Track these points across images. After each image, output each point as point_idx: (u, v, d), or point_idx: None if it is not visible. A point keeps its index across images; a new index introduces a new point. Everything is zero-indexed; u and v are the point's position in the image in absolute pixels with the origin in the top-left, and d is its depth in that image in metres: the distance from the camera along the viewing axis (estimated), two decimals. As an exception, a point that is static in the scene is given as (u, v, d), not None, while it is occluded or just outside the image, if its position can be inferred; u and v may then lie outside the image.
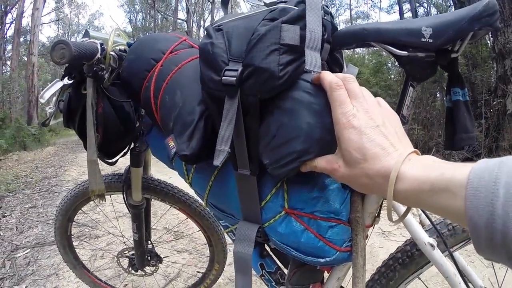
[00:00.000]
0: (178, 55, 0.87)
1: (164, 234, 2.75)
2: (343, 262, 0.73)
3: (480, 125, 4.90)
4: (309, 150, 0.60)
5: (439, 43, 0.62)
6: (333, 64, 0.74)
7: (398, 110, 0.73)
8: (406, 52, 0.66)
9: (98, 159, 1.01)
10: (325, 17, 0.66)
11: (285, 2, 0.69)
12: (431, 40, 0.62)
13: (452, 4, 8.08)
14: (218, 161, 0.64)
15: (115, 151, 1.17)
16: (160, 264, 1.68)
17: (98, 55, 0.92)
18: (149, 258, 1.63)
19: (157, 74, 0.85)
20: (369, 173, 0.46)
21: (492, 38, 5.41)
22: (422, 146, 4.67)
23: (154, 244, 1.64)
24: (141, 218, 1.43)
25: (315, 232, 0.69)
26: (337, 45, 0.73)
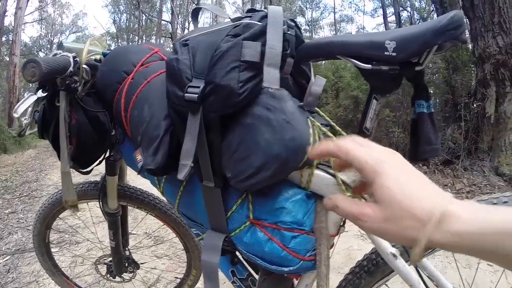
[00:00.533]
0: (148, 68, 0.89)
1: (144, 239, 2.75)
2: (307, 271, 0.75)
3: (459, 128, 4.99)
4: (266, 166, 0.62)
5: (402, 56, 0.62)
6: (299, 76, 0.76)
7: (362, 122, 0.74)
8: (370, 66, 0.66)
9: (71, 170, 1.02)
10: (289, 32, 0.67)
11: (250, 16, 0.71)
12: (394, 54, 0.62)
13: (434, 9, 8.16)
14: (181, 175, 0.66)
15: (89, 160, 1.18)
16: (140, 270, 1.69)
17: (71, 68, 0.93)
18: (126, 264, 1.63)
19: (128, 87, 0.86)
20: (412, 212, 0.38)
21: (472, 43, 5.51)
22: (403, 149, 4.73)
23: (134, 250, 1.64)
24: (117, 225, 1.43)
25: (278, 242, 0.71)
26: (304, 58, 0.74)
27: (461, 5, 5.52)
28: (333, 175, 0.70)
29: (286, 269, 0.72)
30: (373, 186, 0.42)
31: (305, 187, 0.73)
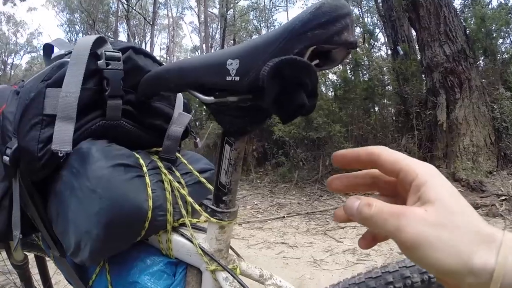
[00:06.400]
0: None
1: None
2: None
3: (413, 137, 5.06)
4: (82, 244, 0.53)
5: (248, 81, 0.41)
6: (148, 117, 0.64)
7: (217, 177, 0.55)
8: (212, 98, 0.46)
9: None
10: (110, 66, 0.55)
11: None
12: (237, 78, 0.42)
13: (382, 22, 8.02)
14: (13, 246, 0.58)
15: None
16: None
17: None
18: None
19: None
20: (473, 224, 0.28)
21: (420, 53, 5.64)
22: (356, 164, 4.74)
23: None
24: (27, 277, 1.33)
25: None
26: (143, 95, 0.60)
27: (407, 17, 5.66)
28: (191, 241, 0.60)
29: None
30: (425, 186, 0.30)
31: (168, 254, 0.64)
